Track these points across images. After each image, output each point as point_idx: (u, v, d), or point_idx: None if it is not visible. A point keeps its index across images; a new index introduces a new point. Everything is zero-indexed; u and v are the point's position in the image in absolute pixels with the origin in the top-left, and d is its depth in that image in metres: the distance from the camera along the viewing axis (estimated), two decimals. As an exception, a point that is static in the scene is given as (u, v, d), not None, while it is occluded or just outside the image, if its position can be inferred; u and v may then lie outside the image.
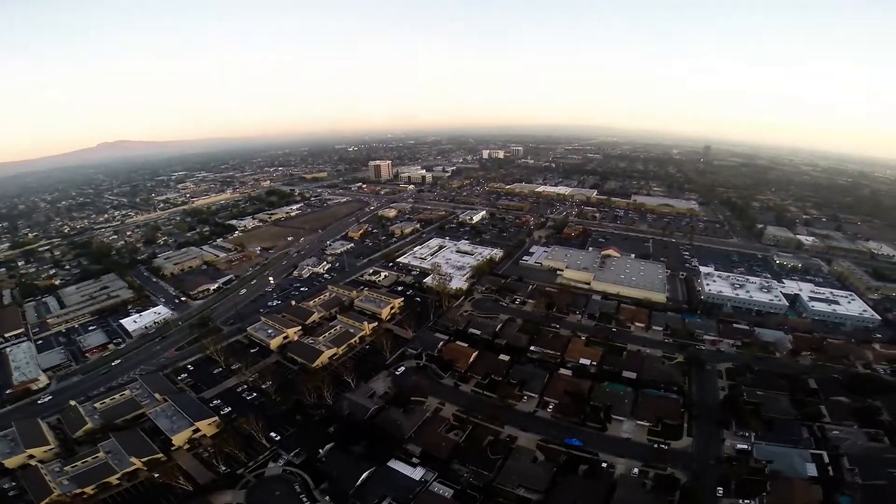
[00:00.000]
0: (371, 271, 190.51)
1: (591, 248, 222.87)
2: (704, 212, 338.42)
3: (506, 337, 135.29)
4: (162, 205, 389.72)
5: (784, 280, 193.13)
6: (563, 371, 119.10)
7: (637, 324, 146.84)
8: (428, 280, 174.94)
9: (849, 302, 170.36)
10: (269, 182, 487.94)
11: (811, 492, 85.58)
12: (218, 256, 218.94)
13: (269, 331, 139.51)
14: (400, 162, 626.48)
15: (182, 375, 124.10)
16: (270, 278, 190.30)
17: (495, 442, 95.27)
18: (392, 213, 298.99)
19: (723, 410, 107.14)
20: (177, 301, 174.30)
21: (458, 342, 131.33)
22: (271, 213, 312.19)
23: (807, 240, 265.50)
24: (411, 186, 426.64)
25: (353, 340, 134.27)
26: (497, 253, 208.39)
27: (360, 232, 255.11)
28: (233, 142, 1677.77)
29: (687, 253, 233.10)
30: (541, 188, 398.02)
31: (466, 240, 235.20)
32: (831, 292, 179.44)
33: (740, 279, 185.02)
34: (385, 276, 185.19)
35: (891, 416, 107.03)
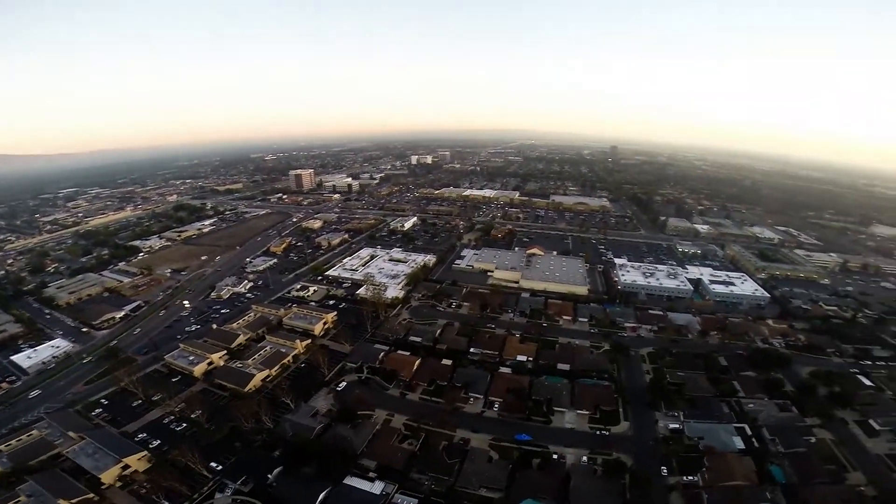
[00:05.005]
0: (299, 287, 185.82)
1: (517, 248, 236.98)
2: (615, 208, 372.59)
3: (446, 341, 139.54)
4: (49, 227, 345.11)
5: (687, 266, 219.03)
6: (503, 370, 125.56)
7: (564, 317, 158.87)
8: (361, 291, 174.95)
9: (742, 282, 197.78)
10: (176, 196, 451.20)
11: (744, 464, 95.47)
12: (122, 282, 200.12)
13: (191, 358, 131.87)
14: (323, 170, 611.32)
15: (97, 410, 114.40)
16: (185, 302, 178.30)
17: (450, 446, 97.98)
18: (317, 224, 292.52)
19: (651, 393, 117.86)
20: (78, 332, 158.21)
21: (399, 351, 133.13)
22: (181, 231, 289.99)
23: (702, 228, 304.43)
24: (337, 196, 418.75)
25: (286, 360, 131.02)
26: (430, 259, 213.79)
27: (284, 246, 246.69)
28: (131, 153, 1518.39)
29: (602, 247, 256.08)
30: (468, 192, 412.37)
31: (399, 247, 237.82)
32: (727, 275, 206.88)
33: (650, 268, 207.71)
34: (314, 290, 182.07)
35: (793, 386, 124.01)
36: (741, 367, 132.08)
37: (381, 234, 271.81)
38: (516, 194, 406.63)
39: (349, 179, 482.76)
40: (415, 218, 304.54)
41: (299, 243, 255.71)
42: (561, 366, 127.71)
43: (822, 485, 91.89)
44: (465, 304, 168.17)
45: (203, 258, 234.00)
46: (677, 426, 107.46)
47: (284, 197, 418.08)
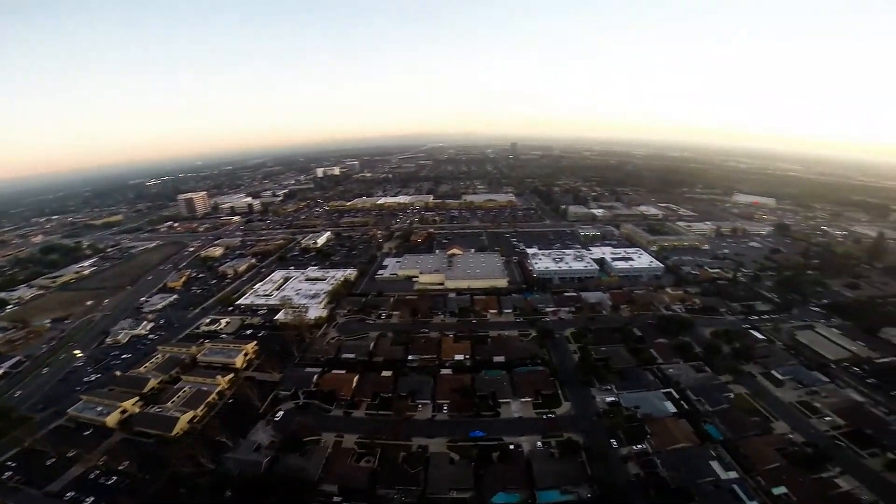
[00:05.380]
0: (208, 321, 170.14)
1: (437, 251, 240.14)
2: (520, 201, 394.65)
3: (382, 353, 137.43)
4: None
5: (590, 248, 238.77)
6: (444, 371, 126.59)
7: (491, 311, 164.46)
8: (281, 316, 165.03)
9: (639, 257, 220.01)
10: (41, 237, 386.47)
11: (682, 427, 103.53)
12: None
13: (100, 408, 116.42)
14: (218, 192, 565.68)
15: (7, 474, 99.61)
16: (77, 351, 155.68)
17: (410, 456, 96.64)
18: (218, 251, 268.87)
19: (581, 371, 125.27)
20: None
21: (334, 371, 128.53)
22: (55, 277, 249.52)
23: (598, 212, 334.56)
24: (237, 218, 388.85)
25: (210, 398, 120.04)
26: (351, 273, 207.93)
27: (183, 280, 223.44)
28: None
29: (514, 239, 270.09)
30: (382, 200, 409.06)
31: (314, 265, 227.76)
32: (625, 251, 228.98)
33: (559, 254, 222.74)
34: (227, 322, 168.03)
35: (700, 347, 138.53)
36: (653, 335, 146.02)
37: (294, 254, 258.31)
38: (430, 198, 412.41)
39: (249, 199, 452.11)
40: (328, 233, 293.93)
41: (201, 275, 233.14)
42: (497, 358, 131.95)
43: (755, 437, 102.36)
44: (395, 312, 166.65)
45: (89, 303, 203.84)
46: (613, 399, 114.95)
47: (176, 225, 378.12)
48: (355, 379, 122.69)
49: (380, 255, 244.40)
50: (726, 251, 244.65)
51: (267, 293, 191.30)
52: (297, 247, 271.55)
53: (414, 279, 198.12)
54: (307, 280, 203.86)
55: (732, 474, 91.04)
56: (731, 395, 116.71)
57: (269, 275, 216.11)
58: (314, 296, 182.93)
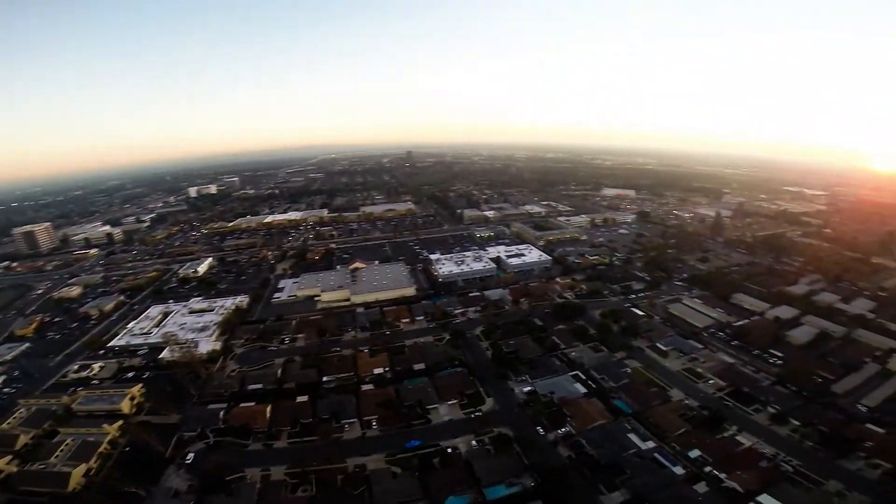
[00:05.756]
0: (77, 367, 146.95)
1: (339, 267, 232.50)
2: (419, 209, 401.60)
3: (293, 379, 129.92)
4: None
5: (487, 248, 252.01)
6: (365, 387, 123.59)
7: (403, 320, 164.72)
8: (166, 354, 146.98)
9: (530, 252, 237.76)
10: None
11: (595, 405, 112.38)
12: None
13: None
14: (67, 221, 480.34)
15: None
16: None
17: (348, 477, 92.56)
18: (75, 291, 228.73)
19: (496, 366, 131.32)
20: None
21: (241, 404, 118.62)
22: None
23: (490, 214, 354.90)
24: (94, 251, 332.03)
25: (102, 448, 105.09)
26: (243, 300, 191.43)
27: (34, 326, 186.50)
28: None
29: (416, 247, 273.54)
30: (270, 218, 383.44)
31: (198, 296, 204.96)
32: (517, 248, 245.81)
33: (459, 257, 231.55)
34: (100, 367, 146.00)
35: (594, 329, 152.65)
36: (552, 323, 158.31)
37: (171, 286, 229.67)
38: (325, 212, 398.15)
39: (108, 228, 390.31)
40: (210, 259, 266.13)
41: (57, 318, 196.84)
42: (417, 366, 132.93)
43: (658, 406, 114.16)
44: (300, 335, 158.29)
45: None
46: (530, 388, 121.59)
47: (14, 265, 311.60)
48: (268, 409, 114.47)
49: (273, 277, 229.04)
50: (601, 239, 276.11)
51: (145, 331, 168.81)
52: (173, 278, 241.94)
53: (316, 298, 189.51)
54: (191, 313, 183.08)
55: (650, 444, 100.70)
56: (629, 370, 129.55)
57: (145, 311, 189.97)
58: (203, 329, 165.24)
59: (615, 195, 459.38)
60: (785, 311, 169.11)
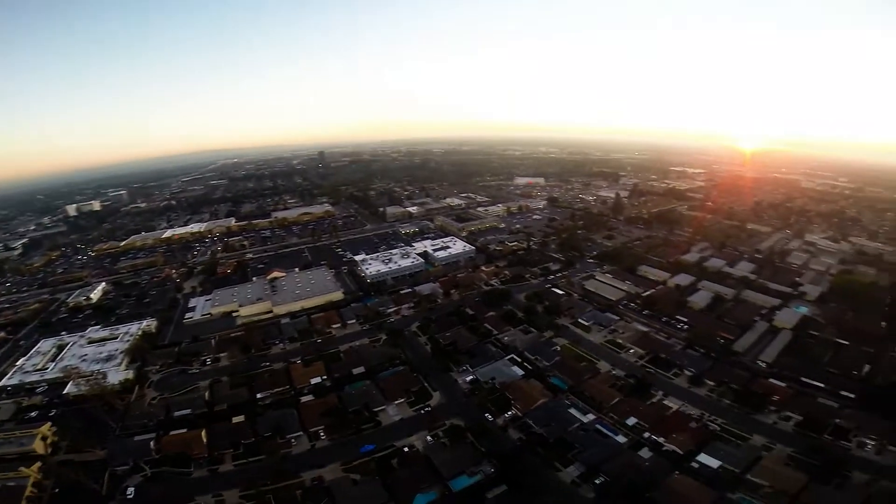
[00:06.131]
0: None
1: (255, 278, 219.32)
2: (338, 210, 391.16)
3: (223, 400, 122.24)
4: None
5: (413, 244, 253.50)
6: (305, 399, 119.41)
7: (333, 326, 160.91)
8: (71, 388, 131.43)
9: (454, 244, 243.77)
10: None
11: (534, 385, 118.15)
12: None
13: None
14: None
15: None
16: None
17: (307, 492, 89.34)
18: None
19: (436, 359, 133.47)
20: None
21: (172, 432, 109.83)
22: None
23: (413, 209, 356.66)
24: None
25: (27, 492, 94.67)
26: (150, 324, 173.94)
27: None
28: None
29: (339, 249, 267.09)
30: (169, 233, 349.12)
31: (95, 325, 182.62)
32: (442, 241, 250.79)
33: (386, 255, 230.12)
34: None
35: (521, 312, 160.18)
36: (483, 311, 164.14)
37: (61, 317, 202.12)
38: (232, 221, 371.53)
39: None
40: (103, 283, 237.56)
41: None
42: (356, 370, 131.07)
43: (590, 379, 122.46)
44: (222, 354, 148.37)
45: None
46: (472, 377, 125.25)
47: None
48: (203, 434, 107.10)
49: (181, 296, 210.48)
50: (518, 226, 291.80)
51: (39, 367, 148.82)
52: (62, 308, 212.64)
53: (234, 314, 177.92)
54: (91, 343, 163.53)
55: (590, 416, 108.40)
56: (559, 348, 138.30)
57: (34, 346, 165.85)
58: (108, 358, 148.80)
59: (527, 183, 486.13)
60: (683, 279, 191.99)
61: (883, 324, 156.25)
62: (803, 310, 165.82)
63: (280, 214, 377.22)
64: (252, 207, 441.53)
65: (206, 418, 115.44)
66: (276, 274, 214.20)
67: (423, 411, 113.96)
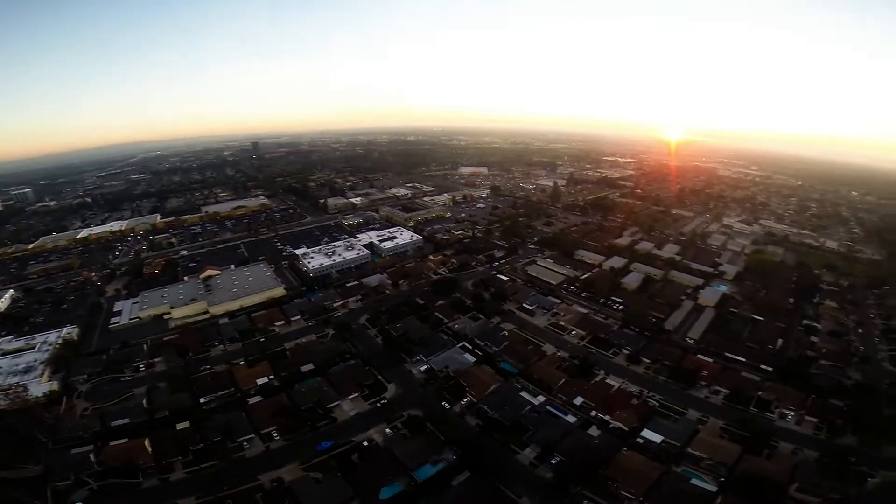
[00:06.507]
0: None
1: (186, 278, 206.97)
2: (275, 203, 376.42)
3: (163, 406, 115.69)
4: None
5: (358, 235, 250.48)
6: (253, 400, 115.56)
7: (277, 323, 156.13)
8: None
9: (401, 234, 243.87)
10: None
11: (486, 371, 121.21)
12: None
13: None
14: None
15: None
16: None
17: (268, 494, 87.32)
18: None
19: (389, 351, 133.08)
20: None
21: (111, 443, 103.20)
22: None
23: (357, 200, 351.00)
24: None
25: None
26: (71, 331, 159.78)
27: None
28: None
29: (278, 243, 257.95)
30: (85, 232, 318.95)
31: (6, 335, 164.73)
32: (388, 232, 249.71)
33: (329, 248, 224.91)
34: None
35: (469, 299, 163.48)
36: (433, 300, 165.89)
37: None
38: (157, 217, 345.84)
39: None
40: (10, 291, 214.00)
41: None
42: (305, 367, 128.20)
43: (537, 362, 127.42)
44: (157, 359, 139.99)
45: None
46: (426, 367, 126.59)
47: None
48: (146, 442, 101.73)
49: (105, 300, 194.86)
50: (463, 215, 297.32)
51: None
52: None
53: (166, 317, 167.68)
54: (4, 355, 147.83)
55: (541, 398, 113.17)
56: (506, 333, 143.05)
57: None
58: (27, 370, 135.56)
59: (471, 173, 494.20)
60: (616, 261, 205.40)
61: (790, 299, 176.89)
62: (723, 288, 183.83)
63: (211, 209, 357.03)
64: (179, 202, 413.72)
65: (147, 426, 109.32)
66: (209, 272, 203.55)
67: (378, 404, 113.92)
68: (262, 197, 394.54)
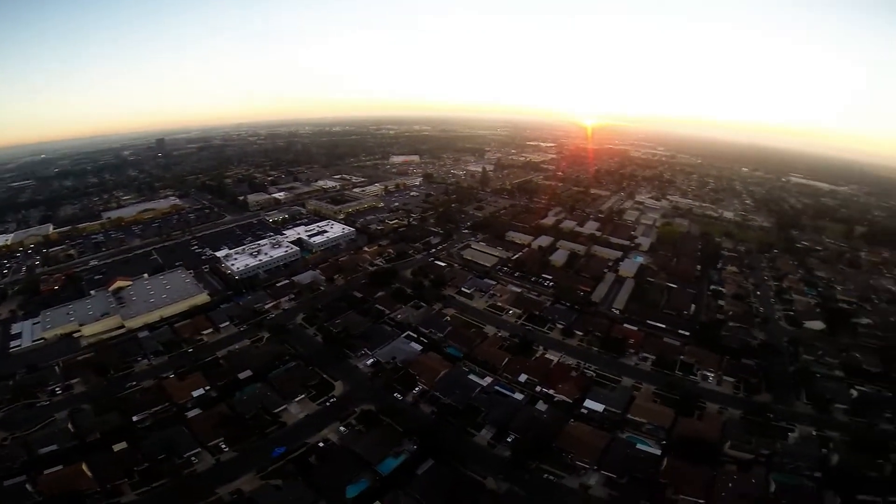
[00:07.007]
0: None
1: (93, 291, 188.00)
2: (188, 203, 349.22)
3: (93, 429, 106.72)
4: None
5: (284, 232, 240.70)
6: (192, 413, 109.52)
7: (204, 332, 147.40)
8: None
9: (332, 227, 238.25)
10: None
11: (433, 358, 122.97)
12: None
13: None
14: None
15: None
16: None
17: None
18: None
19: (331, 348, 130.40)
20: None
21: (46, 472, 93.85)
22: None
23: (280, 195, 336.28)
24: None
25: None
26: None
27: None
28: None
29: (195, 246, 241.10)
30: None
31: None
32: (318, 226, 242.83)
33: (254, 247, 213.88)
34: None
35: (409, 288, 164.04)
36: (372, 292, 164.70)
37: None
38: (50, 228, 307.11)
39: None
40: None
41: None
42: (242, 375, 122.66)
43: (480, 344, 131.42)
44: (74, 381, 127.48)
45: None
46: (372, 360, 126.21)
47: None
48: (84, 467, 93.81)
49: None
50: (396, 204, 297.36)
51: None
52: None
53: (76, 335, 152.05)
54: None
55: (488, 379, 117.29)
56: (448, 318, 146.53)
57: None
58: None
59: (402, 161, 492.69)
60: (544, 240, 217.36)
61: (698, 266, 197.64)
62: (640, 259, 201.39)
63: (114, 214, 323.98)
64: (75, 210, 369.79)
65: (79, 451, 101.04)
66: (120, 283, 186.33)
67: (328, 403, 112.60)
68: (172, 198, 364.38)
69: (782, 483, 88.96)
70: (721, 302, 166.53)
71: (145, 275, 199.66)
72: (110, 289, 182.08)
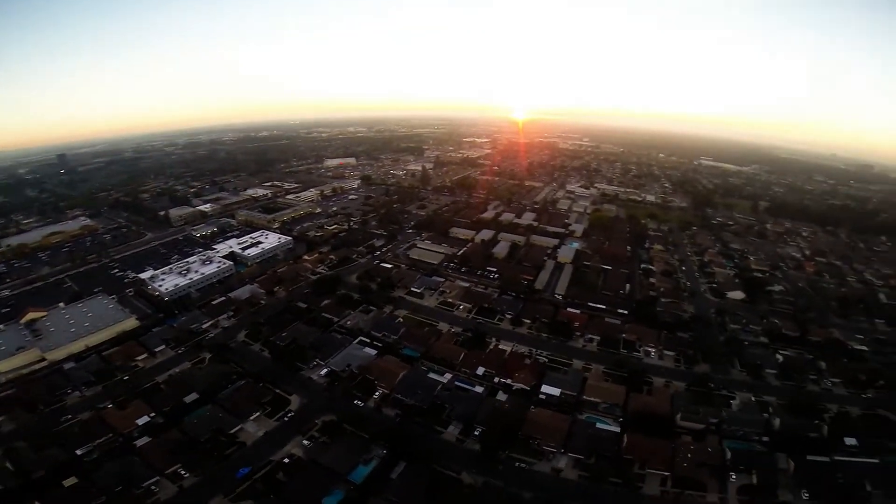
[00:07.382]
0: None
1: (3, 325, 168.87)
2: (101, 223, 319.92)
3: (35, 466, 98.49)
4: None
5: (214, 247, 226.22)
6: (142, 442, 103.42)
7: (138, 358, 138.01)
8: None
9: (266, 238, 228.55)
10: None
11: (390, 361, 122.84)
12: None
13: None
14: None
15: None
16: None
17: None
18: None
19: (280, 362, 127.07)
20: None
21: None
22: None
23: (206, 208, 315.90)
24: None
25: None
26: None
27: None
28: None
29: (116, 270, 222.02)
30: None
31: None
32: (251, 237, 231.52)
33: (182, 265, 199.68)
34: None
35: (357, 293, 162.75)
36: (317, 301, 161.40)
37: None
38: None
39: None
40: None
41: None
42: (188, 398, 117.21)
43: (436, 342, 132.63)
44: (1, 418, 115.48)
45: None
46: (327, 370, 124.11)
47: None
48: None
49: None
50: (335, 208, 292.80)
51: None
52: None
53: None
54: None
55: (448, 375, 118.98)
56: (401, 320, 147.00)
57: None
58: None
59: (338, 165, 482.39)
60: (486, 234, 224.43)
61: (628, 248, 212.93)
62: (576, 245, 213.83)
63: (14, 241, 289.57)
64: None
65: (28, 489, 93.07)
66: (32, 315, 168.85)
67: (286, 418, 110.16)
68: (82, 218, 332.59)
69: (736, 450, 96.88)
70: (652, 279, 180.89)
71: (61, 304, 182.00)
72: (23, 321, 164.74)
